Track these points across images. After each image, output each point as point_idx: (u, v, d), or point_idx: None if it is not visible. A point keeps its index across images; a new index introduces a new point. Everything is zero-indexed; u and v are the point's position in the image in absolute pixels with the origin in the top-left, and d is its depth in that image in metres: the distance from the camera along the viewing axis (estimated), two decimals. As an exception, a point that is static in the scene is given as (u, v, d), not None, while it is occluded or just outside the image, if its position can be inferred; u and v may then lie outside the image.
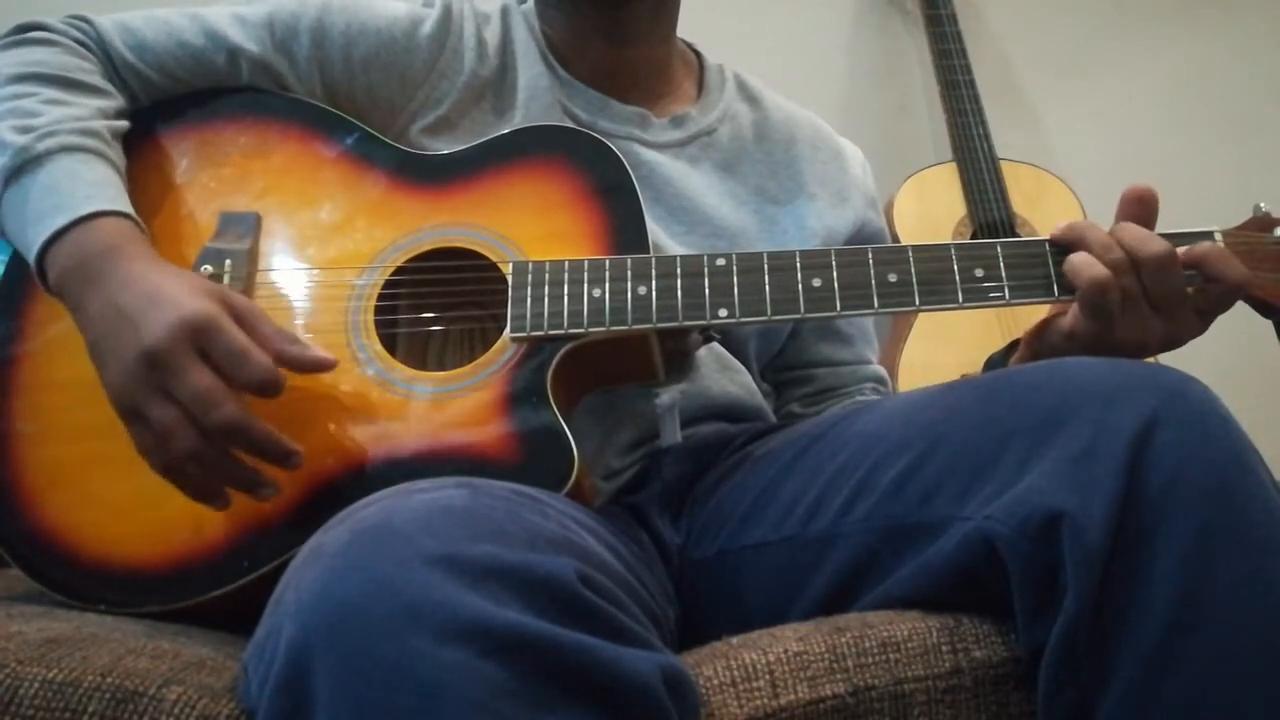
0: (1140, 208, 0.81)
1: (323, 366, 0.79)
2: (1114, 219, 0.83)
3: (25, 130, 0.84)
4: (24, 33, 0.94)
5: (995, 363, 0.91)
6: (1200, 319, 0.80)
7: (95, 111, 0.89)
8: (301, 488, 0.80)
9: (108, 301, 0.77)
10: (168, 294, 0.76)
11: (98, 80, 0.93)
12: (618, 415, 0.95)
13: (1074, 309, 0.80)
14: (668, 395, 0.94)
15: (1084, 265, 0.78)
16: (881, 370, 1.13)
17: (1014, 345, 0.89)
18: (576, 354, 0.84)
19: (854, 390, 1.09)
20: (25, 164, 0.83)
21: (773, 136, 1.08)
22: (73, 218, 0.81)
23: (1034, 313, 0.86)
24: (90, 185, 0.84)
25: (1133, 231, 0.79)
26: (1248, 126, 2.17)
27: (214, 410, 0.73)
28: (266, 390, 0.75)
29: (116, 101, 0.93)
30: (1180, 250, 0.79)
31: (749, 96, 1.10)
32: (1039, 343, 0.84)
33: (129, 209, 0.84)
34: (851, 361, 1.10)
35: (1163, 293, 0.78)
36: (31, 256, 0.82)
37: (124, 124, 0.92)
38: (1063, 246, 0.81)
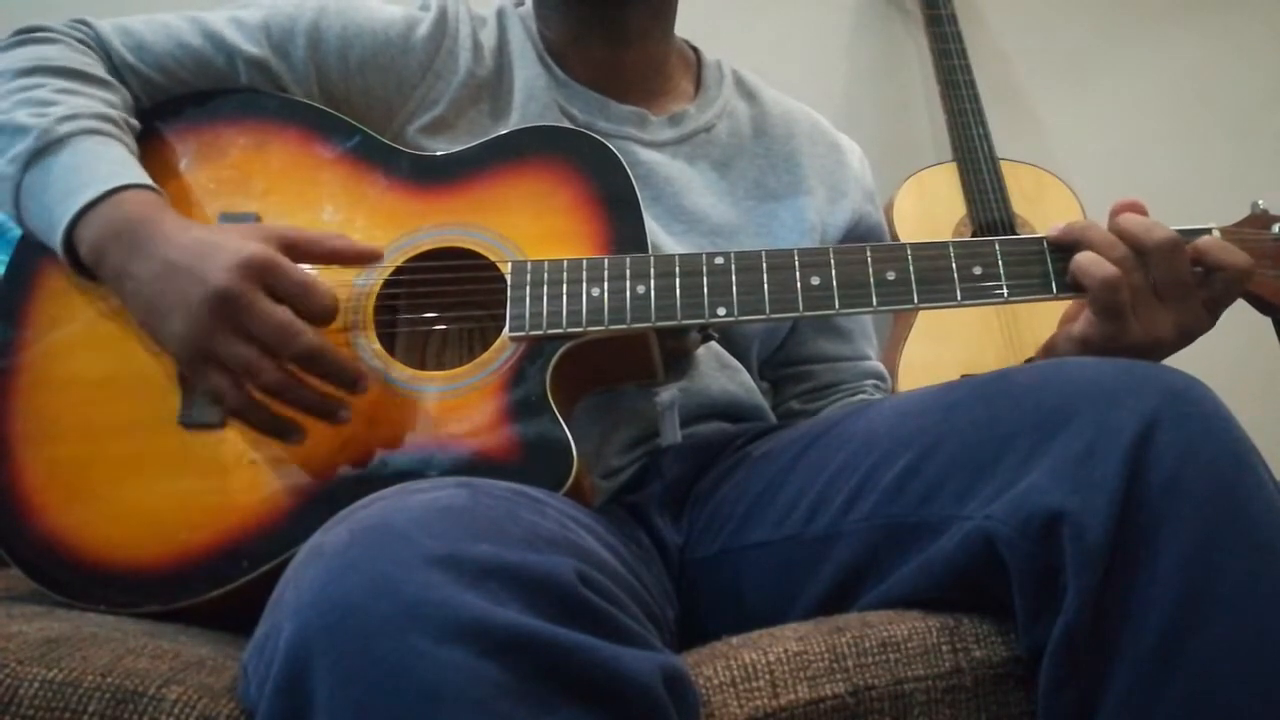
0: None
1: (370, 255, 0.84)
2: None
3: (44, 115, 0.85)
4: (26, 34, 0.96)
5: None
6: (1209, 312, 0.80)
7: (108, 102, 0.91)
8: (301, 487, 0.80)
9: (159, 259, 0.79)
10: (221, 241, 0.78)
11: (105, 74, 0.94)
12: (617, 414, 0.95)
13: (1085, 314, 0.79)
14: (667, 394, 0.94)
15: (1091, 264, 0.77)
16: (880, 366, 1.13)
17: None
18: (575, 353, 0.84)
19: (854, 386, 1.09)
20: (47, 146, 0.84)
21: (771, 132, 1.08)
22: (102, 190, 0.82)
23: (1033, 311, 0.86)
24: (113, 163, 0.85)
25: (1135, 221, 0.79)
26: (1248, 126, 2.17)
27: (296, 340, 0.76)
28: (329, 318, 0.79)
29: (124, 95, 0.94)
30: None
31: (747, 93, 1.10)
32: (1053, 354, 0.84)
33: (154, 184, 0.85)
34: (851, 357, 1.10)
35: (1170, 281, 0.77)
36: (58, 234, 0.82)
37: (135, 121, 0.93)
38: (1063, 248, 0.81)
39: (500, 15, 1.05)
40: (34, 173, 0.84)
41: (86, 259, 0.82)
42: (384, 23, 0.99)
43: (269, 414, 0.79)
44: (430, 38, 0.99)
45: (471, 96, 1.00)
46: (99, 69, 0.94)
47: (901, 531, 0.71)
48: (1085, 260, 0.78)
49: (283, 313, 0.76)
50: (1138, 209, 0.81)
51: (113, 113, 0.89)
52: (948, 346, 1.69)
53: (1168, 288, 0.77)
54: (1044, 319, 0.87)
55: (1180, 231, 0.81)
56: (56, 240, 0.83)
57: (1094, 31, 2.16)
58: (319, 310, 0.78)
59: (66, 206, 0.82)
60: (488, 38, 1.03)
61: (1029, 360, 0.88)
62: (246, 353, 0.76)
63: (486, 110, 1.00)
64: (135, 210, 0.82)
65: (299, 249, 0.81)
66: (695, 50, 1.12)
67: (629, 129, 1.02)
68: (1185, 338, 0.79)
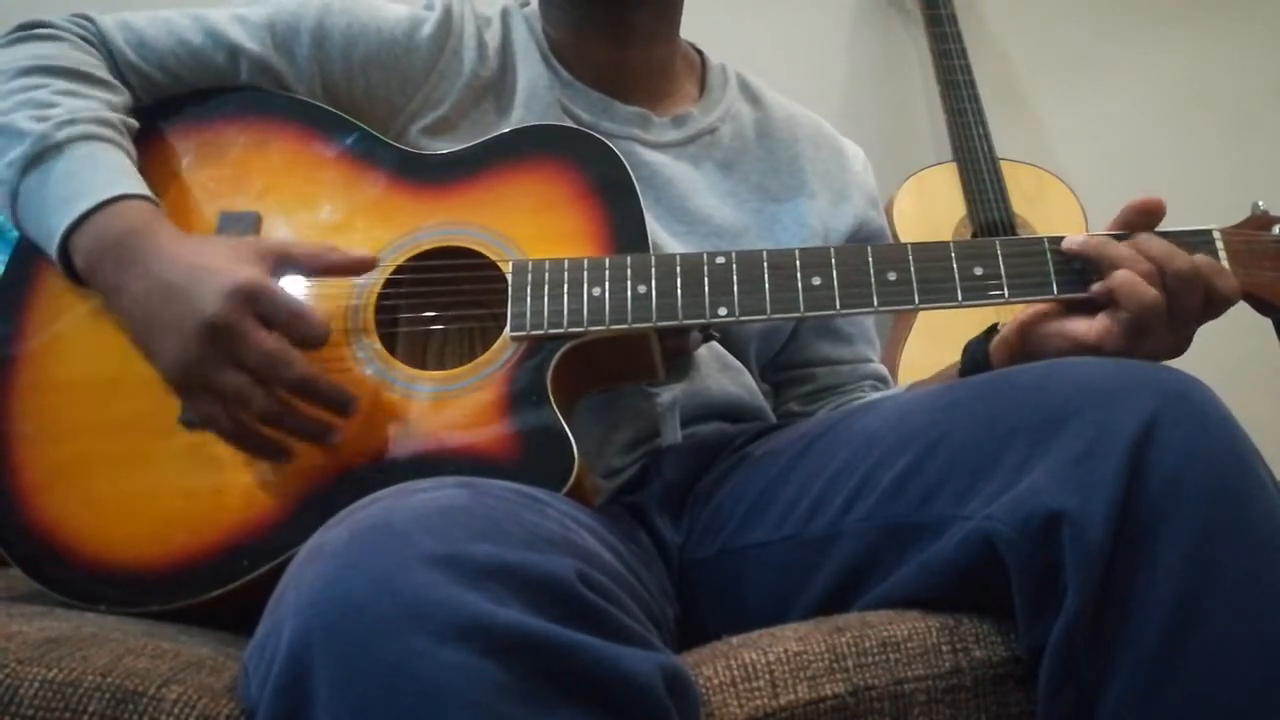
0: (1148, 219, 0.81)
1: (364, 264, 0.84)
2: (1114, 224, 0.83)
3: (43, 119, 0.85)
4: (29, 30, 0.95)
5: (974, 347, 0.90)
6: (1197, 324, 0.80)
7: (108, 104, 0.90)
8: (301, 487, 0.80)
9: (152, 278, 0.79)
10: (214, 264, 0.78)
11: (106, 75, 0.93)
12: (618, 414, 0.95)
13: (1102, 324, 0.79)
14: (668, 394, 0.94)
15: (1134, 287, 0.77)
16: (882, 369, 1.12)
17: (992, 330, 0.89)
18: (576, 353, 0.83)
19: (853, 388, 1.09)
20: (45, 151, 0.84)
21: (775, 135, 1.08)
22: (98, 201, 0.82)
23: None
24: (111, 171, 0.85)
25: (1159, 245, 0.79)
26: (1248, 127, 2.17)
27: (288, 369, 0.76)
28: (321, 343, 0.79)
29: (124, 97, 0.94)
30: None
31: (751, 96, 1.10)
32: (1035, 341, 0.84)
33: (150, 194, 0.85)
34: (851, 360, 1.10)
35: (1183, 307, 0.78)
36: (54, 243, 0.82)
37: (133, 121, 0.92)
38: (1076, 258, 0.81)
39: (505, 15, 1.05)
40: (31, 178, 0.84)
41: (81, 270, 0.82)
42: (389, 22, 0.99)
43: (259, 438, 0.79)
44: (435, 37, 0.99)
45: (475, 97, 1.00)
46: (101, 69, 0.93)
47: (901, 531, 0.71)
48: (1127, 281, 0.78)
49: (274, 341, 0.76)
50: (1158, 211, 0.81)
51: (112, 116, 0.89)
52: (948, 347, 1.68)
53: (1180, 312, 0.78)
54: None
55: (1181, 233, 0.81)
56: (52, 249, 0.83)
57: (1094, 31, 2.16)
58: (311, 337, 0.78)
59: (62, 215, 0.82)
60: (492, 37, 1.03)
61: (994, 327, 0.88)
62: (238, 381, 0.76)
63: (490, 110, 1.00)
64: (130, 222, 0.81)
65: (293, 263, 0.81)
66: (700, 53, 1.12)
67: (633, 129, 1.02)
68: (1176, 353, 0.80)
